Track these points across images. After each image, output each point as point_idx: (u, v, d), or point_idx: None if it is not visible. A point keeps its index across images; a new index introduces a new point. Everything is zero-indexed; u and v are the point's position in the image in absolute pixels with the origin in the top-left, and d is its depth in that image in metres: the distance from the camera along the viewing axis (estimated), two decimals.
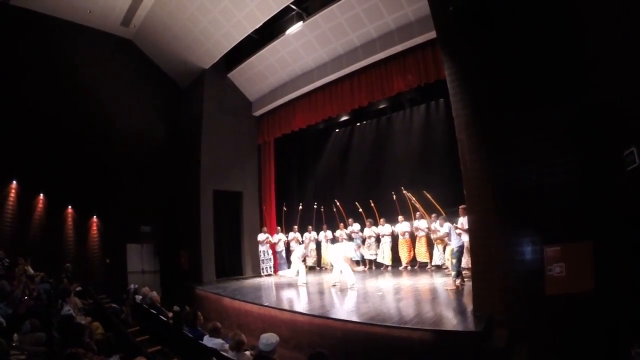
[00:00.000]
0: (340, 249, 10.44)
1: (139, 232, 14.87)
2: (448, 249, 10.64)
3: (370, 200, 13.24)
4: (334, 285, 10.29)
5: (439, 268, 11.52)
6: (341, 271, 10.11)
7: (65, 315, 5.92)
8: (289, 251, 13.79)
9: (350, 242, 11.94)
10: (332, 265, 10.94)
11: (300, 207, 14.67)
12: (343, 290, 9.69)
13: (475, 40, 6.86)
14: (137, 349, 5.18)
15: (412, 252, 12.43)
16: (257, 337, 4.85)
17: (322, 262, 14.50)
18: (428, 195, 10.84)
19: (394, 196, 12.44)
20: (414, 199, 11.40)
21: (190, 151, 14.79)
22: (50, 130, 12.50)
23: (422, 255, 12.15)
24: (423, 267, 12.18)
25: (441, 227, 9.70)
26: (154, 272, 15.13)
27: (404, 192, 11.67)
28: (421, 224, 11.92)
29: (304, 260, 12.34)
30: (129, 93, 14.93)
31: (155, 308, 7.73)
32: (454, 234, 8.80)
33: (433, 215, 11.09)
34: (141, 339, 6.75)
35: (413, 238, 12.39)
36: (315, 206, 14.46)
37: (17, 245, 11.60)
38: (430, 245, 11.92)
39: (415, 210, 11.83)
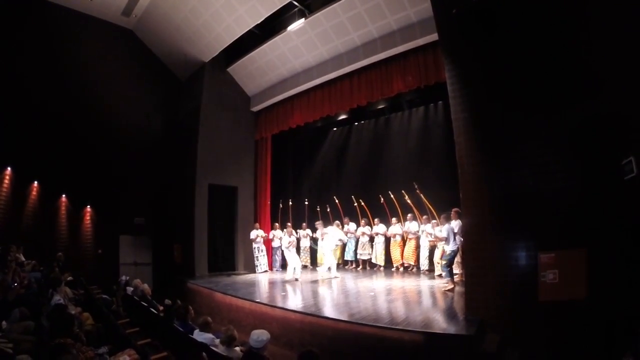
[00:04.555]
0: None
1: (133, 223, 14.82)
2: (437, 252, 10.70)
3: (366, 202, 13.29)
4: (322, 280, 10.82)
5: (426, 273, 11.54)
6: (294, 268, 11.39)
7: (58, 305, 5.87)
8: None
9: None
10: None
11: (290, 203, 14.64)
12: (327, 287, 10.05)
13: (477, 44, 6.85)
14: (127, 340, 5.16)
15: (404, 254, 12.44)
16: (247, 333, 4.84)
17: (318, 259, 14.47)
18: (422, 196, 10.89)
19: (383, 201, 12.57)
20: (409, 200, 11.47)
21: (186, 144, 14.72)
22: (46, 118, 12.42)
23: (409, 257, 12.19)
24: (415, 269, 12.17)
25: (441, 230, 9.65)
26: (146, 264, 15.08)
27: (403, 193, 11.70)
28: (412, 226, 11.94)
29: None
30: (128, 84, 14.85)
31: (146, 300, 7.70)
32: (451, 237, 8.79)
33: (425, 217, 11.14)
34: (131, 331, 6.71)
35: (405, 240, 12.40)
36: (306, 203, 14.43)
37: (9, 232, 11.55)
38: (418, 247, 11.95)
39: (407, 212, 11.86)
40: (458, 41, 7.16)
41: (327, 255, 11.46)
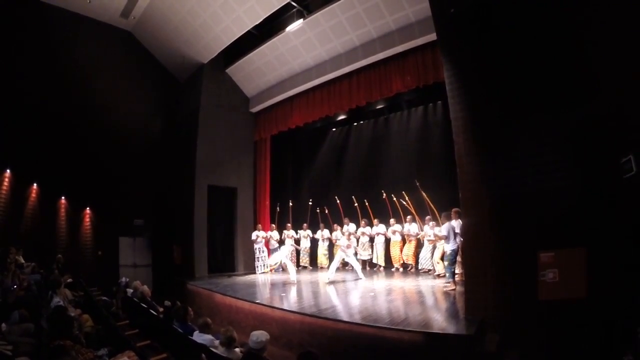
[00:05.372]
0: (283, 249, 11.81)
1: (132, 225, 14.82)
2: (437, 252, 10.69)
3: (366, 202, 13.29)
4: (330, 283, 10.63)
5: (426, 272, 11.54)
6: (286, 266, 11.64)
7: (57, 307, 5.86)
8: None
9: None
10: (328, 264, 11.22)
11: (290, 204, 14.69)
12: (327, 288, 10.05)
13: (476, 44, 6.85)
14: (126, 342, 5.14)
15: (403, 254, 12.44)
16: (247, 334, 4.84)
17: (318, 261, 14.49)
18: (423, 194, 10.88)
19: (385, 196, 12.54)
20: (408, 202, 11.48)
21: (186, 145, 14.72)
22: (45, 120, 12.41)
23: (409, 257, 12.21)
24: (415, 269, 12.18)
25: (441, 230, 9.60)
26: (146, 266, 15.09)
27: (404, 194, 11.72)
28: (412, 228, 11.95)
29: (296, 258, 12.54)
30: (127, 85, 14.85)
31: (145, 302, 7.69)
32: (451, 236, 8.77)
33: (427, 217, 11.13)
34: (130, 332, 6.70)
35: (405, 240, 12.40)
36: (310, 203, 14.44)
37: (9, 234, 11.54)
38: (418, 247, 11.98)
39: (407, 213, 11.86)
40: (456, 41, 7.16)
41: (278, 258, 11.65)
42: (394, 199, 12.19)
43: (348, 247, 11.34)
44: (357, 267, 11.53)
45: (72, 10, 13.32)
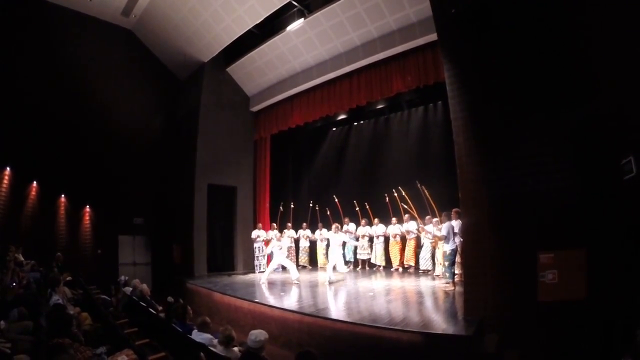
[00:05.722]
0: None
1: (132, 223, 14.82)
2: (438, 252, 10.66)
3: (366, 202, 13.29)
4: (330, 283, 10.55)
5: (425, 272, 11.52)
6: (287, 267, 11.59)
7: (56, 305, 5.86)
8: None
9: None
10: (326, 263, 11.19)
11: (292, 205, 14.71)
12: (326, 288, 10.06)
13: (476, 44, 6.85)
14: (125, 341, 5.14)
15: (403, 254, 12.42)
16: (246, 333, 4.82)
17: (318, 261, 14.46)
18: (426, 191, 10.84)
19: (387, 199, 12.46)
20: (408, 201, 11.45)
21: (186, 144, 14.73)
22: (45, 118, 12.40)
23: (409, 258, 12.19)
24: (414, 269, 12.16)
25: (440, 229, 9.58)
26: (145, 264, 15.09)
27: (401, 189, 11.70)
28: (411, 225, 11.92)
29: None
30: (127, 84, 14.84)
31: (145, 300, 7.69)
32: (451, 236, 8.76)
33: (428, 217, 11.10)
34: (129, 331, 6.68)
35: (404, 240, 12.38)
36: (311, 205, 14.43)
37: (8, 232, 11.54)
38: (418, 247, 11.95)
39: (406, 211, 11.83)
40: (457, 41, 7.16)
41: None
42: (395, 194, 12.13)
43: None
44: (331, 267, 11.04)
45: (73, 9, 13.31)
